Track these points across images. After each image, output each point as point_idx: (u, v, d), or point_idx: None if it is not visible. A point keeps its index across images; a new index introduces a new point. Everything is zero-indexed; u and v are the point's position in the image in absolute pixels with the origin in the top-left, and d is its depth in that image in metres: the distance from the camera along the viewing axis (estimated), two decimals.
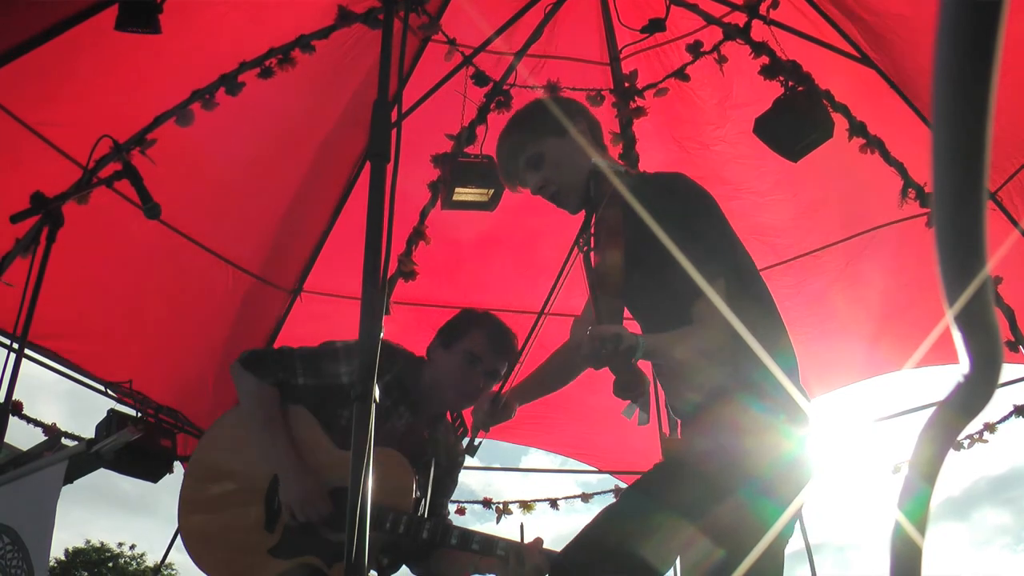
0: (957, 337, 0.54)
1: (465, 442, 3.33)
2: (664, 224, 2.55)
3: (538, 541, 3.11)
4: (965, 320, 0.53)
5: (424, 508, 3.40)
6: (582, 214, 3.06)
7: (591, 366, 2.56)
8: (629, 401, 2.57)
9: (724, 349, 2.51)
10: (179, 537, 3.41)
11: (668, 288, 2.64)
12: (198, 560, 3.34)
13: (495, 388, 3.24)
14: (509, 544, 3.11)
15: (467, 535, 3.17)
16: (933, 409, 0.63)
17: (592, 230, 2.96)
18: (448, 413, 3.63)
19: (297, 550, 3.28)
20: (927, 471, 0.65)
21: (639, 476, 2.80)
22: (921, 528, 0.68)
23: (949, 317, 0.53)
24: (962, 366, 0.56)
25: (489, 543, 3.14)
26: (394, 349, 3.64)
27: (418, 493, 3.36)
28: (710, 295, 2.44)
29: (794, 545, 2.77)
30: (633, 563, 2.44)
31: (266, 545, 3.30)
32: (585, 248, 2.93)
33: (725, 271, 2.60)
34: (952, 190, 0.49)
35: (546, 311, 2.91)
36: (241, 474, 3.45)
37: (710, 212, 2.81)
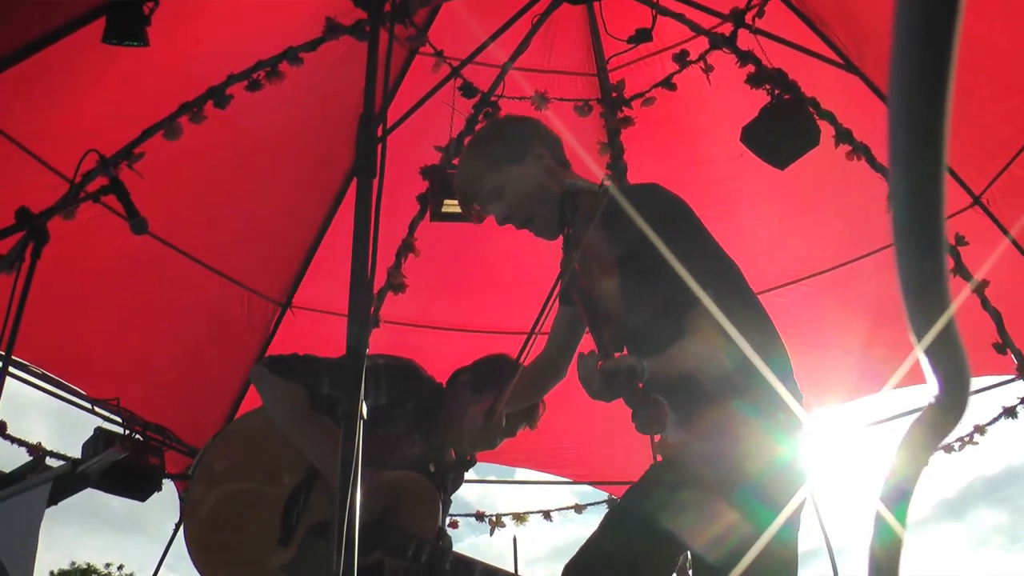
0: (926, 367, 0.54)
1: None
2: (653, 235, 2.53)
3: None
4: (933, 354, 0.53)
5: (443, 537, 3.34)
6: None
7: (603, 400, 2.49)
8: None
9: (719, 356, 2.50)
10: (186, 548, 3.25)
11: (657, 301, 2.63)
12: (204, 569, 3.20)
13: (487, 403, 3.18)
14: None
15: (490, 573, 3.12)
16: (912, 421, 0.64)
17: (575, 252, 2.93)
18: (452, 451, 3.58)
19: (312, 569, 3.15)
20: (902, 487, 0.65)
21: (629, 486, 2.79)
22: (897, 546, 0.68)
23: (918, 351, 0.53)
24: (932, 388, 0.56)
25: None
26: (422, 377, 3.54)
27: (440, 522, 3.28)
28: (705, 303, 2.43)
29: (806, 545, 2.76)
30: (635, 569, 2.45)
31: (279, 561, 3.18)
32: (571, 272, 2.88)
33: (713, 279, 2.59)
34: (912, 235, 0.49)
35: (536, 331, 2.86)
36: (258, 481, 3.30)
37: (690, 220, 2.78)
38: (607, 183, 2.78)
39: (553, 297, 2.91)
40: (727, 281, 2.70)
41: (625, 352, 2.56)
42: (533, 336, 2.88)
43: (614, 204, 2.71)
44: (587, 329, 3.04)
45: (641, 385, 2.34)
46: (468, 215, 3.18)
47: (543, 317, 2.83)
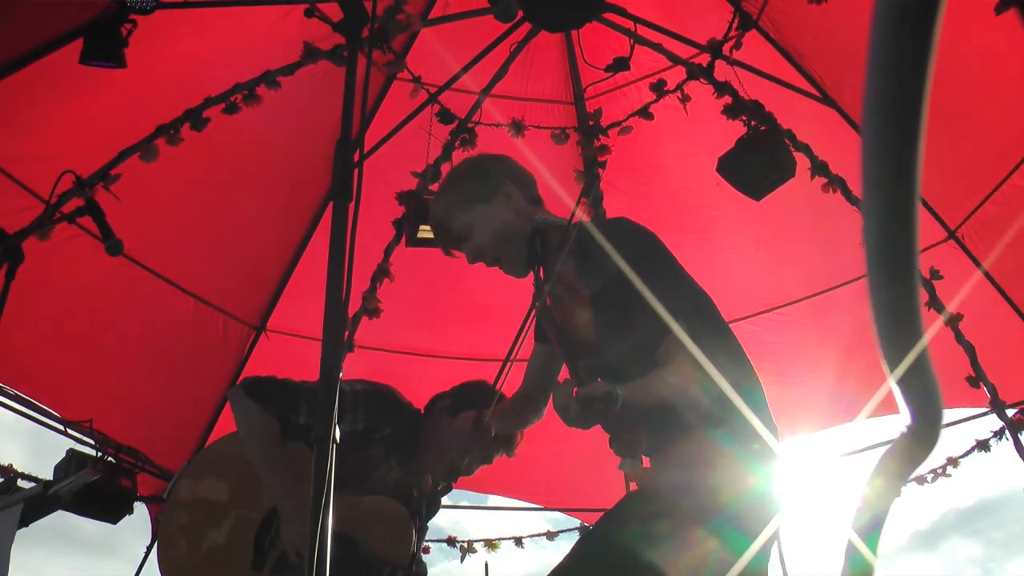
0: (899, 397, 0.55)
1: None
2: (624, 267, 2.54)
3: None
4: (905, 385, 0.53)
5: (418, 563, 3.31)
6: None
7: (580, 427, 2.50)
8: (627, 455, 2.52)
9: (693, 387, 2.51)
10: (159, 572, 3.26)
11: (631, 334, 2.63)
12: None
13: (471, 414, 3.17)
14: None
15: None
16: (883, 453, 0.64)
17: (545, 288, 2.91)
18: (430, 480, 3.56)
19: None
20: (875, 517, 0.65)
21: (600, 512, 2.79)
22: (869, 568, 0.68)
23: (890, 381, 0.54)
24: (904, 418, 0.57)
25: None
26: (400, 401, 3.52)
27: (414, 548, 3.25)
28: (678, 335, 2.44)
29: None
30: None
31: None
32: (542, 307, 2.85)
33: (685, 309, 2.60)
34: (886, 266, 0.50)
35: (512, 358, 2.86)
36: (231, 507, 3.27)
37: (661, 252, 2.78)
38: (576, 218, 2.79)
39: (526, 329, 2.91)
40: (700, 313, 2.71)
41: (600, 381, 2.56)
42: (509, 363, 2.88)
43: (585, 238, 2.74)
44: (563, 363, 3.07)
45: (616, 411, 2.35)
46: (448, 253, 3.16)
47: (517, 346, 2.83)
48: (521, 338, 2.82)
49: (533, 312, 2.84)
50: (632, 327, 2.63)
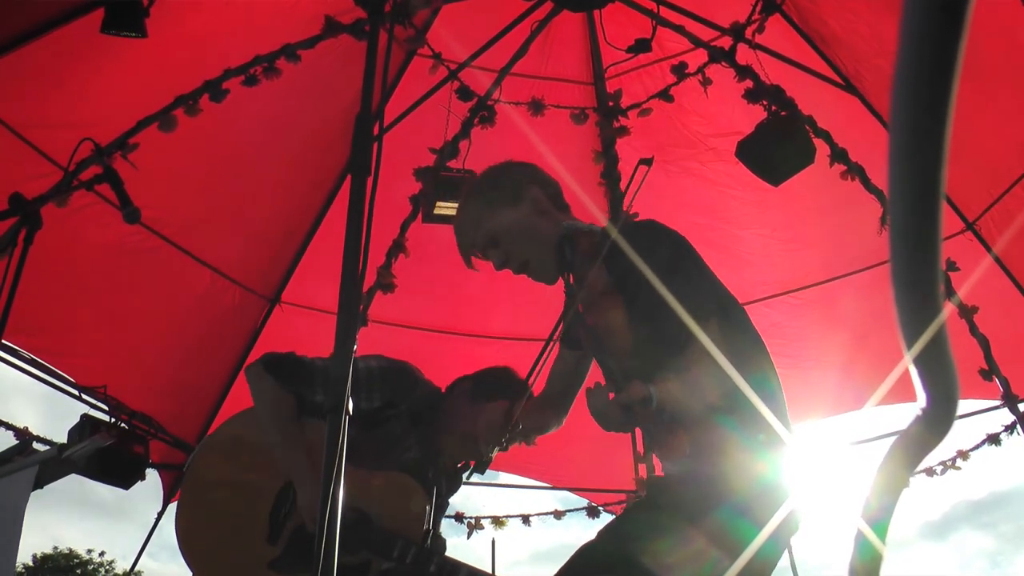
0: (915, 376, 0.55)
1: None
2: (654, 270, 2.53)
3: None
4: (923, 362, 0.53)
5: (431, 539, 3.32)
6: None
7: (619, 431, 2.50)
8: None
9: (714, 383, 2.51)
10: (176, 538, 3.24)
11: (659, 334, 2.61)
12: (193, 564, 3.20)
13: (502, 404, 3.14)
14: None
15: (474, 575, 3.10)
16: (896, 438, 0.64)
17: (578, 293, 2.88)
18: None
19: (298, 566, 3.16)
20: (885, 500, 0.65)
21: (608, 493, 2.80)
22: (877, 563, 0.68)
23: (908, 359, 0.54)
24: (920, 401, 0.57)
25: None
26: (417, 378, 3.51)
27: (428, 524, 3.27)
28: (701, 337, 2.43)
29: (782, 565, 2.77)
30: None
31: (267, 557, 3.18)
32: (575, 313, 2.84)
33: (716, 310, 2.61)
34: (908, 241, 0.50)
35: (544, 357, 2.87)
36: (248, 481, 3.31)
37: (690, 254, 2.78)
38: (608, 224, 2.78)
39: (556, 335, 2.91)
40: (727, 315, 2.71)
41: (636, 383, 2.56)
42: (542, 361, 2.89)
43: (614, 243, 2.72)
44: (588, 370, 3.08)
45: (653, 412, 2.35)
46: (468, 263, 3.16)
47: (550, 347, 2.85)
48: (552, 342, 2.83)
49: (556, 336, 2.84)
50: (657, 328, 2.62)
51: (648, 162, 2.69)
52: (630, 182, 2.69)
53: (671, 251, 2.73)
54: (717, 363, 2.42)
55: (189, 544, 3.24)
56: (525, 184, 3.00)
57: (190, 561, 3.21)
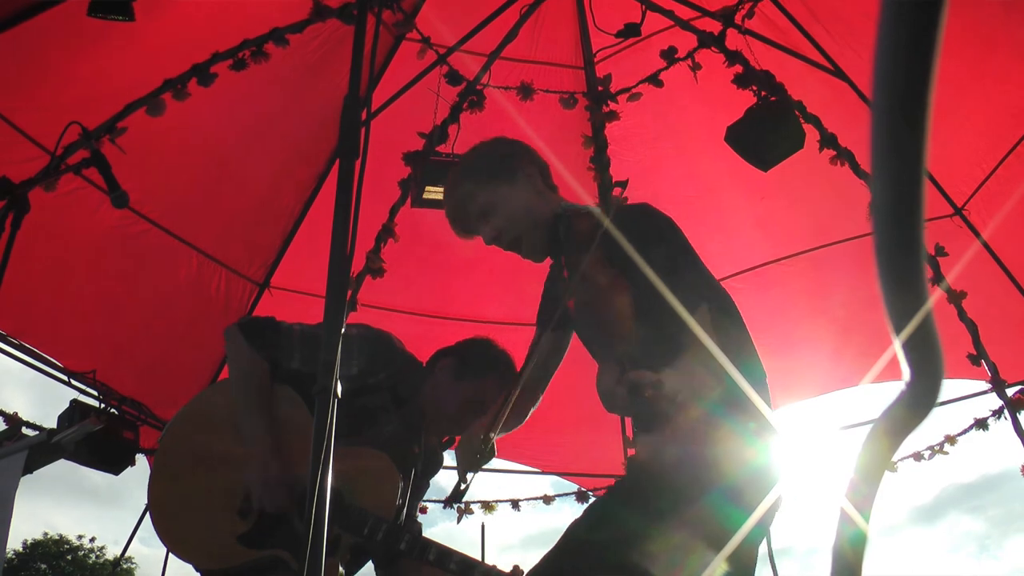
0: (899, 351, 0.55)
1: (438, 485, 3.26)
2: (647, 256, 2.54)
3: (517, 570, 3.05)
4: (910, 346, 0.54)
5: (403, 516, 3.31)
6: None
7: (623, 414, 2.51)
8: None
9: (709, 371, 2.51)
10: (149, 515, 3.22)
11: (657, 324, 2.61)
12: (164, 537, 3.16)
13: (483, 424, 3.06)
14: (488, 571, 3.02)
15: (445, 554, 3.06)
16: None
17: (565, 273, 2.90)
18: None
19: (266, 541, 3.12)
20: (870, 476, 0.66)
21: (597, 478, 2.80)
22: (861, 539, 0.69)
23: (896, 344, 0.54)
24: (905, 375, 0.57)
25: (468, 567, 3.02)
26: (397, 348, 3.47)
27: (401, 501, 3.25)
28: (691, 323, 2.43)
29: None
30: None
31: (236, 531, 3.13)
32: (565, 295, 2.84)
33: (708, 295, 2.61)
34: (891, 231, 0.50)
35: (536, 350, 2.88)
36: (221, 453, 3.25)
37: (682, 239, 2.79)
38: (604, 208, 2.77)
39: (553, 324, 2.91)
40: (719, 304, 2.71)
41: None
42: (527, 368, 2.90)
43: (612, 226, 2.70)
44: (564, 353, 3.08)
45: (660, 397, 2.36)
46: (465, 234, 3.15)
47: (540, 340, 2.86)
48: (548, 328, 2.83)
49: (558, 311, 2.84)
50: (651, 312, 2.61)
51: (623, 184, 2.71)
52: (608, 209, 2.71)
53: (663, 235, 2.74)
54: (711, 352, 2.42)
55: (160, 516, 3.21)
56: (520, 160, 3.01)
57: (161, 533, 3.17)
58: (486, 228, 2.98)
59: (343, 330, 3.29)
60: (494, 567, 3.07)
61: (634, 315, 2.70)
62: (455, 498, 3.09)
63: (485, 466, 3.01)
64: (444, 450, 3.68)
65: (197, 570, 3.23)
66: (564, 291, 2.87)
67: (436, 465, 3.74)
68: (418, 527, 3.60)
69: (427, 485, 3.79)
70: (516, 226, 2.95)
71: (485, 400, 3.42)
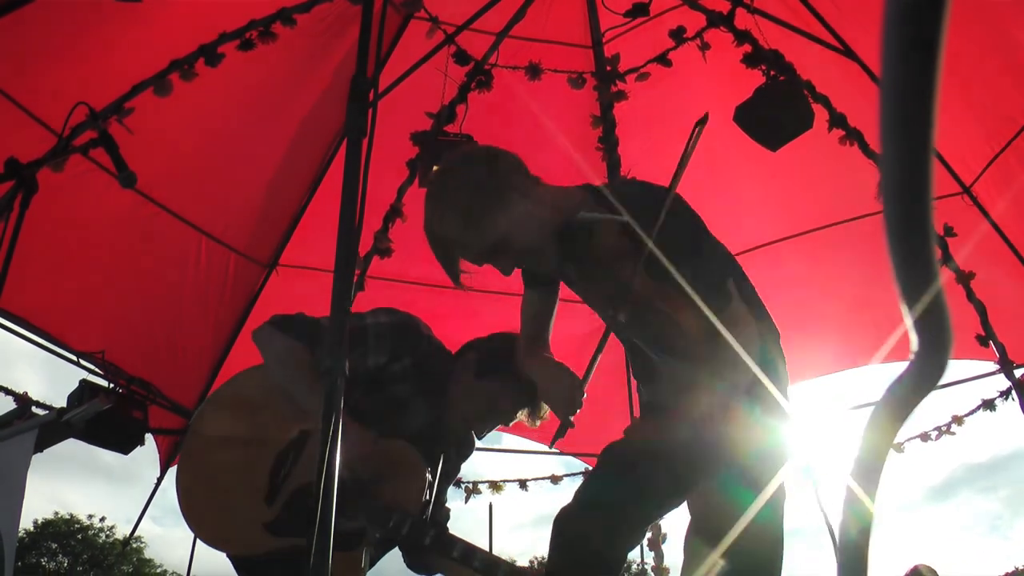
0: (908, 322, 0.55)
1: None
2: (667, 237, 2.47)
3: (537, 570, 3.04)
4: (920, 319, 0.54)
5: (429, 510, 3.30)
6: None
7: None
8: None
9: (730, 363, 2.48)
10: (177, 499, 3.21)
11: (676, 301, 2.53)
12: (192, 522, 3.18)
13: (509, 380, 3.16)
14: (512, 569, 3.02)
15: (470, 552, 3.06)
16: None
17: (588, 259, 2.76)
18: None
19: (293, 530, 3.11)
20: (876, 450, 0.66)
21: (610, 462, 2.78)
22: (868, 515, 0.69)
23: (908, 323, 0.54)
24: (913, 345, 0.57)
25: (492, 566, 3.02)
26: (423, 332, 3.40)
27: (427, 496, 3.22)
28: (702, 307, 2.41)
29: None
30: (619, 561, 2.46)
31: (263, 518, 3.14)
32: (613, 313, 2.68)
33: (730, 271, 2.60)
34: (902, 213, 0.50)
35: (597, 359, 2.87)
36: (250, 439, 3.25)
37: (697, 218, 2.72)
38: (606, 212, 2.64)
39: (598, 356, 2.87)
40: (738, 276, 2.70)
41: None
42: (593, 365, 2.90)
43: (628, 207, 2.58)
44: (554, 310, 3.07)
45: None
46: (456, 280, 2.89)
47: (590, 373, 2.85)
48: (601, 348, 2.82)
49: (602, 347, 2.82)
50: (670, 291, 2.56)
51: (702, 122, 2.63)
52: (689, 143, 2.64)
53: (680, 215, 2.65)
54: (731, 346, 2.39)
55: (188, 502, 3.22)
56: (503, 175, 2.70)
57: (189, 519, 3.20)
58: (504, 263, 2.78)
59: (373, 319, 3.30)
60: (515, 566, 3.08)
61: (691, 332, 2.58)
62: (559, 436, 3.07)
63: (494, 445, 3.04)
64: (475, 436, 3.66)
65: (228, 557, 3.24)
66: (618, 295, 2.64)
67: (468, 448, 3.73)
68: (446, 512, 3.59)
69: (458, 468, 3.79)
70: (529, 247, 2.71)
71: (502, 409, 3.43)
